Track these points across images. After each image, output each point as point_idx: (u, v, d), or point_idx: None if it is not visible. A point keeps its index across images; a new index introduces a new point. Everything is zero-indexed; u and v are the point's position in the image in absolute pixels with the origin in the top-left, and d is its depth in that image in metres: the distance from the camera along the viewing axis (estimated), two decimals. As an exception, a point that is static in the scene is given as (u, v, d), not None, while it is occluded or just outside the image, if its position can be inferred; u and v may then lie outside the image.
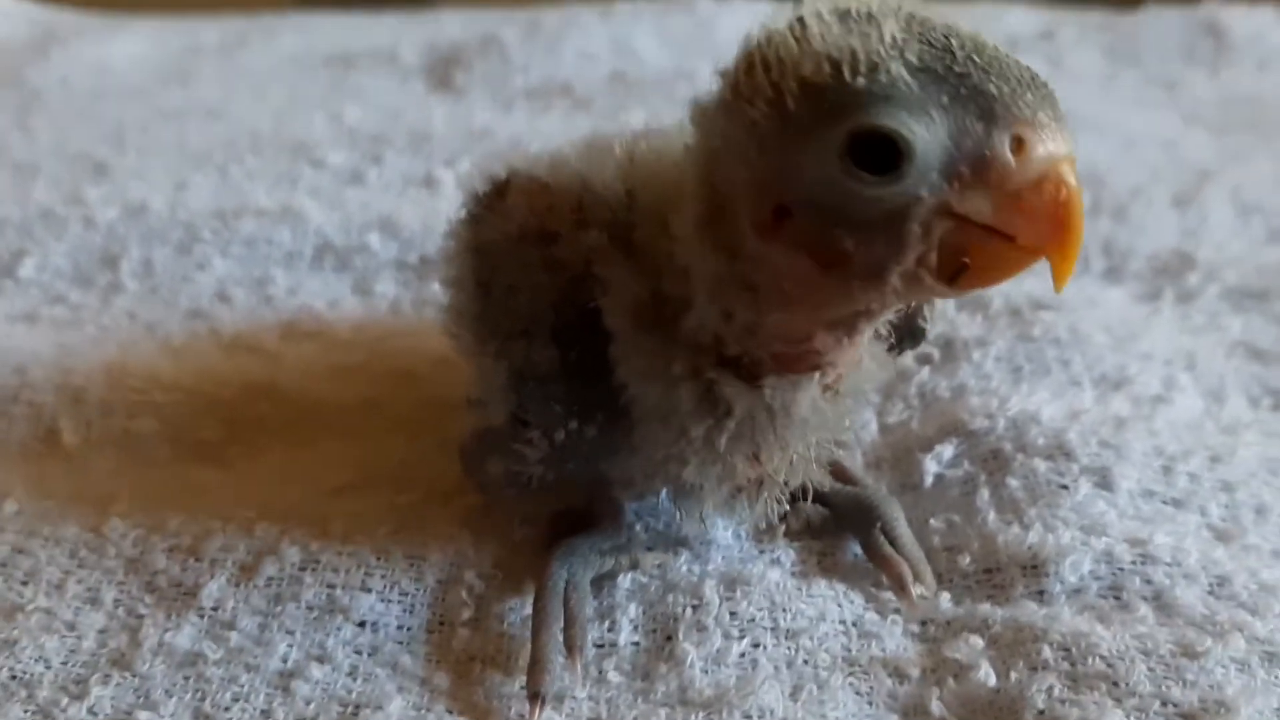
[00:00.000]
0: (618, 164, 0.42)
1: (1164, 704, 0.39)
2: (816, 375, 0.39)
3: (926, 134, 0.32)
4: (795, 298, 0.36)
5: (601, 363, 0.40)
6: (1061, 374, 0.56)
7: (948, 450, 0.51)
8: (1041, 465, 0.49)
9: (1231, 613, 0.42)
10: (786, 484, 0.42)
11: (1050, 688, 0.39)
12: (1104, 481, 0.48)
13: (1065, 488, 0.48)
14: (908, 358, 0.55)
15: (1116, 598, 0.43)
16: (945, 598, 0.45)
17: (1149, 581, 0.44)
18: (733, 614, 0.44)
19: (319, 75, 1.05)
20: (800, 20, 0.34)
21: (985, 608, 0.44)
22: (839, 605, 0.45)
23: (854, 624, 0.44)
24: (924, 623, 0.44)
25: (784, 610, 0.44)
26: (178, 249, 0.72)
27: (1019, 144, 0.32)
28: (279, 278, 0.70)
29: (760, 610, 0.44)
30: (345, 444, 0.55)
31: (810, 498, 0.49)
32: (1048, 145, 0.32)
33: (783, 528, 0.49)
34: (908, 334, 0.44)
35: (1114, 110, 0.88)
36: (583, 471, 0.43)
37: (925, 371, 0.57)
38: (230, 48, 1.12)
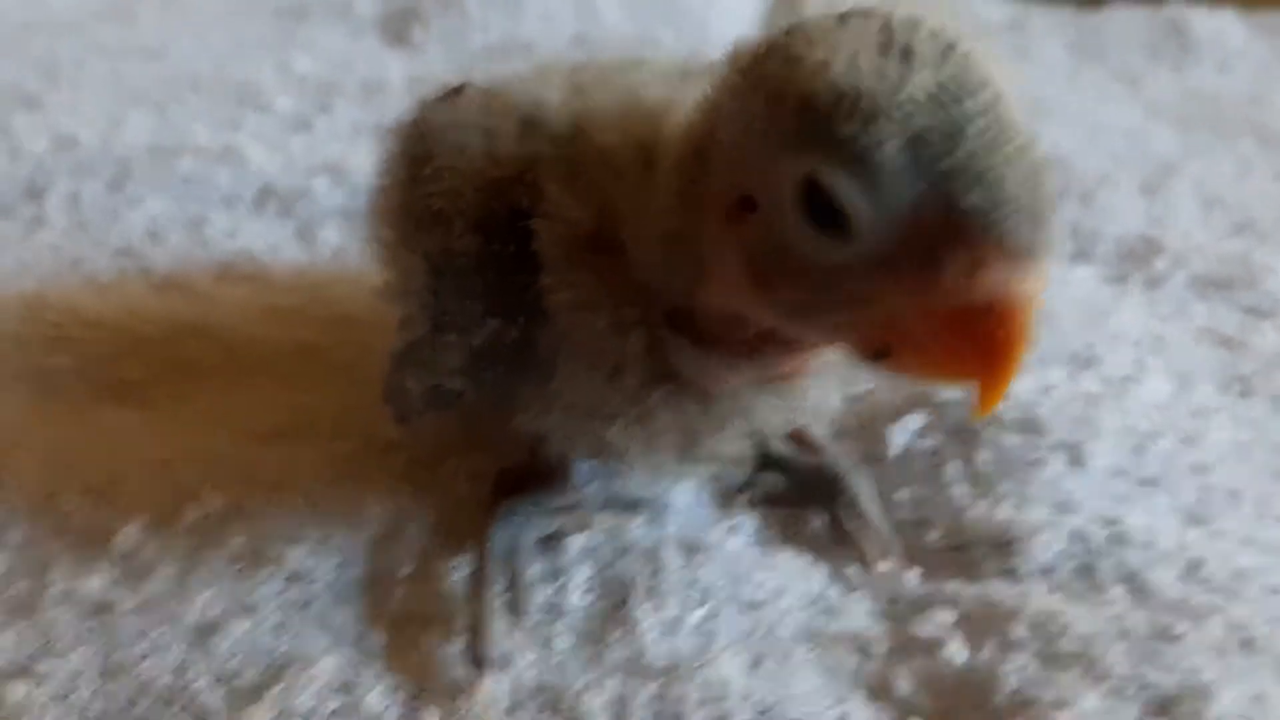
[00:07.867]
0: (562, 92, 0.39)
1: (1141, 687, 0.37)
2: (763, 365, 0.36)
3: (878, 218, 0.28)
4: (732, 293, 0.33)
5: (525, 265, 0.36)
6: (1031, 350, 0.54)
7: (915, 421, 0.49)
8: (1012, 440, 0.47)
9: (1207, 597, 0.40)
10: (719, 460, 0.39)
11: (1024, 666, 0.38)
12: (1075, 458, 0.46)
13: (1036, 462, 0.46)
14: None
15: (1089, 578, 0.42)
16: (912, 574, 0.43)
17: (1122, 562, 0.42)
18: (690, 581, 0.42)
19: (268, 24, 1.00)
20: (840, 20, 0.30)
21: (954, 585, 0.42)
22: (802, 579, 0.42)
23: (817, 599, 0.42)
24: (890, 600, 0.42)
25: (744, 580, 0.42)
26: (109, 185, 0.68)
27: (974, 265, 0.28)
28: (216, 219, 0.66)
29: (719, 579, 0.42)
30: (279, 388, 0.51)
31: (773, 467, 0.47)
32: (1006, 279, 0.28)
33: (744, 496, 0.46)
34: None
35: (1079, 100, 0.87)
36: (502, 395, 0.39)
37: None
38: (172, -10, 1.07)
